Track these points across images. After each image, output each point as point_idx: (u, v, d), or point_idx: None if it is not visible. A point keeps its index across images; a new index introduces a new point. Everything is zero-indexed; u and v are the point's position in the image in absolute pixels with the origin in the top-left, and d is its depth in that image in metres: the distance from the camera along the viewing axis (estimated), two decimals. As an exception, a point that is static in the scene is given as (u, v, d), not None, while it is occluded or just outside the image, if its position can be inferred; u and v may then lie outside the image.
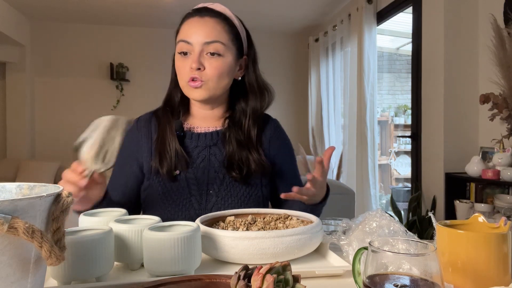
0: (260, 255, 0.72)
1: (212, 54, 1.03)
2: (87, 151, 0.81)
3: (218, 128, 1.12)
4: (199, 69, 1.02)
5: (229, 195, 1.05)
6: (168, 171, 1.03)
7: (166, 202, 1.05)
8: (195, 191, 1.05)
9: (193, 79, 1.03)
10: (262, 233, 0.72)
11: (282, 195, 0.93)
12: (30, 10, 4.88)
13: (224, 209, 1.02)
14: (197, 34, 1.03)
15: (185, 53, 1.04)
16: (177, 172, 1.05)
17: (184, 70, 1.04)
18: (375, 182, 3.78)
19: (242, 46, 1.12)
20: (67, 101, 5.39)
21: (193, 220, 1.01)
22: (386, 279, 0.49)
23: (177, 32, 1.09)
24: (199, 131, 1.11)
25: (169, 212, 1.04)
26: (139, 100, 5.32)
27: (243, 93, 1.14)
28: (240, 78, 1.13)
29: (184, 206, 1.04)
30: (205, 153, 1.08)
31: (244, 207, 1.05)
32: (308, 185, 0.93)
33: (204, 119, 1.14)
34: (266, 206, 1.13)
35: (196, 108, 1.14)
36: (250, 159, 1.07)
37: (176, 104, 1.14)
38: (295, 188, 0.91)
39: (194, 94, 1.06)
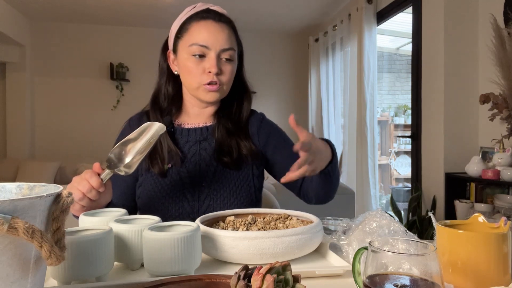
0: (260, 255, 0.72)
1: (227, 59, 1.07)
2: (126, 153, 0.84)
3: (208, 124, 1.15)
4: (217, 73, 1.05)
5: (221, 186, 1.08)
6: (159, 167, 1.06)
7: (160, 195, 1.07)
8: (188, 184, 1.07)
9: (210, 83, 1.05)
10: (262, 233, 0.72)
11: (282, 180, 0.88)
12: (30, 10, 4.88)
13: (216, 200, 1.06)
14: (216, 40, 1.05)
15: (200, 56, 1.05)
16: (169, 165, 1.07)
17: (199, 72, 1.06)
18: (375, 182, 3.78)
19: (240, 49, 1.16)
20: (67, 101, 5.39)
21: (187, 214, 1.04)
22: (386, 279, 0.49)
23: (181, 29, 1.08)
24: (189, 127, 1.14)
25: (163, 205, 1.06)
26: (139, 100, 5.27)
27: (234, 92, 1.17)
28: None
29: (177, 198, 1.06)
30: (196, 148, 1.11)
31: (237, 198, 1.07)
32: (301, 155, 0.86)
33: (196, 116, 1.16)
34: (258, 198, 1.14)
35: (191, 106, 1.16)
36: (241, 145, 1.11)
37: (166, 102, 1.15)
38: (293, 168, 0.85)
39: (208, 96, 1.08)
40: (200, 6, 1.10)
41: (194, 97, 1.12)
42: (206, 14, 1.07)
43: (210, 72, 1.04)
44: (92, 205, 0.88)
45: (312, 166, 0.88)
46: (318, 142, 0.91)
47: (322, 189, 1.07)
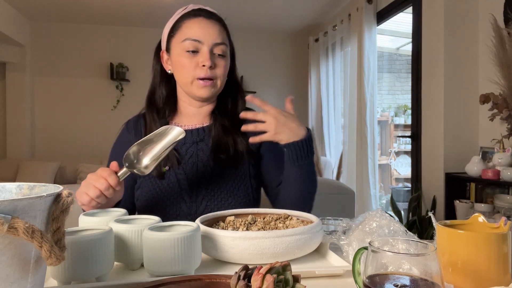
0: (260, 255, 0.72)
1: (219, 55, 1.08)
2: (144, 154, 0.85)
3: (204, 125, 1.15)
4: (210, 67, 1.05)
5: (218, 187, 1.08)
6: (157, 170, 1.07)
7: (157, 197, 1.08)
8: (185, 185, 1.08)
9: (204, 78, 1.06)
10: (262, 233, 0.72)
11: (250, 140, 1.00)
12: (30, 10, 4.87)
13: (214, 201, 1.07)
14: (208, 34, 1.06)
15: (193, 51, 1.06)
16: (167, 168, 1.08)
17: (192, 66, 1.06)
18: (375, 182, 3.78)
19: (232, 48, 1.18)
20: (67, 101, 5.39)
21: (185, 215, 1.05)
22: (386, 279, 0.49)
23: (174, 28, 1.10)
24: (185, 128, 1.14)
25: (161, 206, 1.07)
26: (139, 100, 5.22)
27: (228, 91, 1.18)
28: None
29: (175, 200, 1.07)
30: (193, 149, 1.11)
31: (234, 198, 1.08)
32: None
33: (192, 117, 1.16)
34: (256, 198, 1.14)
35: (186, 105, 1.16)
36: (237, 141, 1.11)
37: (161, 103, 1.16)
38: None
39: (201, 91, 1.08)
40: (191, 7, 1.12)
41: (187, 94, 1.13)
42: (197, 12, 1.10)
43: (204, 66, 1.05)
44: (108, 203, 0.90)
45: (274, 126, 0.99)
46: (291, 119, 1.03)
47: (297, 188, 1.06)
